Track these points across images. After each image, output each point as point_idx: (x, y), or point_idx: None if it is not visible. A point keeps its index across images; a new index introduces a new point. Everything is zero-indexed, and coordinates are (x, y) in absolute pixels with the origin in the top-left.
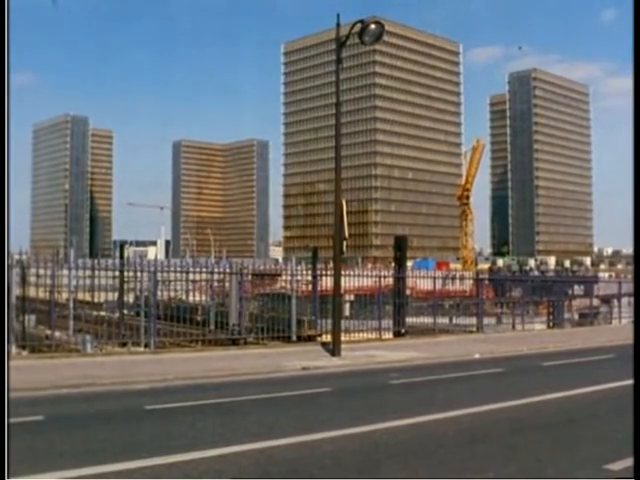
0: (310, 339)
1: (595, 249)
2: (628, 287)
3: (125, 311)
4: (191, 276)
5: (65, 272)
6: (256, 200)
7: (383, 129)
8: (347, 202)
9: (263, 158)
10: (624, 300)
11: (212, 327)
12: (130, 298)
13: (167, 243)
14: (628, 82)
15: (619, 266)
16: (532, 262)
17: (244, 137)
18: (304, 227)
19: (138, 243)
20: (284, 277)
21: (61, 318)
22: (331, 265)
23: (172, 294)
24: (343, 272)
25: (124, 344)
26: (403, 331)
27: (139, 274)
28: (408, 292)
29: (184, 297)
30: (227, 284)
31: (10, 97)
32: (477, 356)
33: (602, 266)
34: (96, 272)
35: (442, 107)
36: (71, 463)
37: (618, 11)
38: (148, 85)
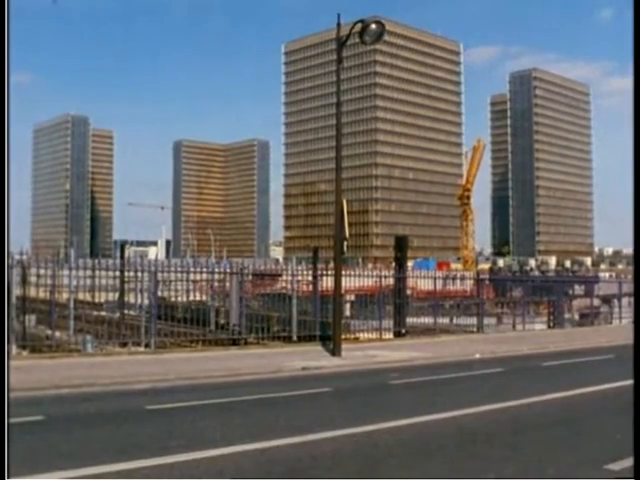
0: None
1: (596, 249)
2: (628, 287)
3: (132, 312)
4: (192, 276)
5: (65, 272)
6: (257, 200)
7: (384, 129)
8: (348, 202)
9: (264, 158)
10: (624, 300)
11: (212, 327)
12: (131, 298)
13: (168, 243)
14: (626, 81)
15: (620, 266)
16: (532, 262)
17: (245, 137)
18: (305, 227)
19: (139, 243)
20: (284, 277)
21: (61, 318)
22: (331, 265)
23: (170, 294)
24: (344, 272)
25: (124, 344)
26: (403, 331)
27: (140, 274)
28: (409, 292)
29: (204, 299)
30: (227, 284)
31: (10, 97)
32: (477, 356)
33: (602, 266)
34: (96, 272)
35: (443, 107)
36: (71, 463)
37: (616, 10)
38: (148, 85)
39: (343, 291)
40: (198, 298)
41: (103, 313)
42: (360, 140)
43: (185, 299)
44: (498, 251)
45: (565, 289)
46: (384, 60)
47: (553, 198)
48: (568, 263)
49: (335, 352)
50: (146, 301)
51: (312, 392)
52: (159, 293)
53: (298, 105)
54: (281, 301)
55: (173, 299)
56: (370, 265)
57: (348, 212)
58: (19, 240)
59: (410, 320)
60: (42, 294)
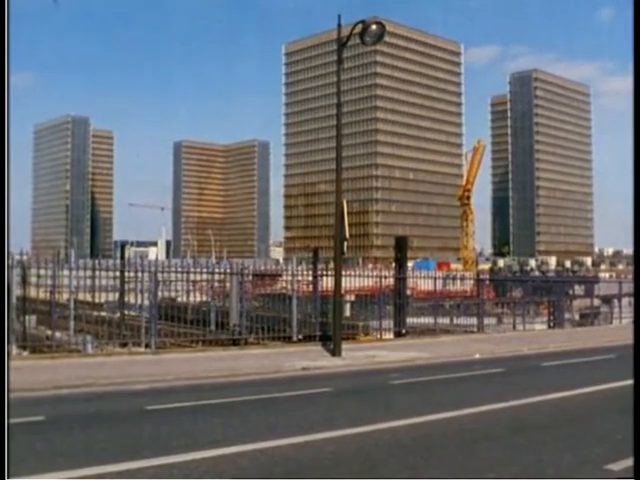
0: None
1: (596, 249)
2: (629, 287)
3: (132, 312)
4: (192, 276)
5: (66, 272)
6: (257, 200)
7: (384, 129)
8: (348, 203)
9: (264, 158)
10: (625, 300)
11: (212, 327)
12: (131, 298)
13: (168, 243)
14: (626, 81)
15: (620, 266)
16: (533, 262)
17: (245, 137)
18: (305, 227)
19: (139, 243)
20: (285, 277)
21: (62, 318)
22: (332, 265)
23: (171, 294)
24: (344, 272)
25: (125, 344)
26: (404, 331)
27: (140, 274)
28: (409, 292)
29: (211, 301)
30: (228, 284)
31: (10, 97)
32: (478, 356)
33: (603, 266)
34: (97, 272)
35: (443, 107)
36: (71, 463)
37: (615, 10)
38: (149, 85)
39: (343, 291)
40: (199, 299)
41: (103, 313)
42: (360, 141)
43: (196, 301)
44: (498, 251)
45: (565, 289)
46: (384, 61)
47: (553, 198)
48: (568, 263)
49: (335, 352)
50: (146, 302)
51: (312, 392)
52: (163, 294)
53: (298, 106)
54: (281, 301)
55: (182, 300)
56: (370, 265)
57: (348, 212)
58: (19, 240)
59: (410, 320)
60: (42, 294)
